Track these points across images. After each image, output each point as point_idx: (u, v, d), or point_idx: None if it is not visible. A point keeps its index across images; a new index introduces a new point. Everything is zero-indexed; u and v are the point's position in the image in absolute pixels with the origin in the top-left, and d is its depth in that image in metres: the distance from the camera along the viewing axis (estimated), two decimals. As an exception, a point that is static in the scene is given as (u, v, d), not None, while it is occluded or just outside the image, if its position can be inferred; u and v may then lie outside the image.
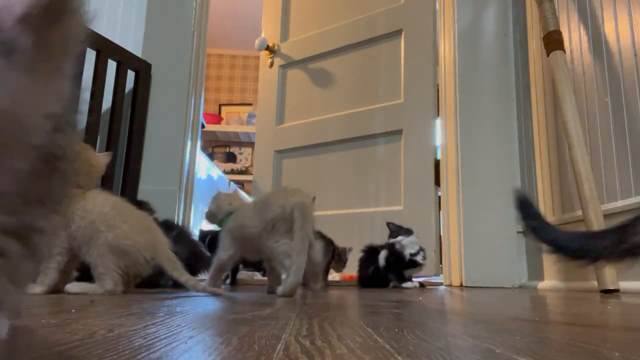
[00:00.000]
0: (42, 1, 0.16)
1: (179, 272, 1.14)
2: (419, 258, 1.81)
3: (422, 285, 1.88)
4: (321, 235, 1.82)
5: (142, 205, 1.65)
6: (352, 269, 1.96)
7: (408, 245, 1.82)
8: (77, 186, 1.10)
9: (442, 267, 2.13)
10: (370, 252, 1.86)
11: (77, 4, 0.20)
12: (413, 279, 1.87)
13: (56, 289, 1.10)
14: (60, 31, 0.18)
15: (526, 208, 0.64)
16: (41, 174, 0.23)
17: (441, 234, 2.15)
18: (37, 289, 1.06)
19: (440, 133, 2.25)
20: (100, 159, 1.22)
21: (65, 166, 0.26)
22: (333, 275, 2.24)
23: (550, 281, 1.82)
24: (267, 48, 2.90)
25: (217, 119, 4.95)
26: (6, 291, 0.29)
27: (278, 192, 1.33)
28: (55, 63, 0.18)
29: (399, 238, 1.83)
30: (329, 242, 1.79)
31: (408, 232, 1.86)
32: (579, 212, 1.56)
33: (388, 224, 1.91)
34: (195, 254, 1.65)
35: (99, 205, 1.11)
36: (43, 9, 0.16)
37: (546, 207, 1.88)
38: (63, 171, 0.25)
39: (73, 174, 0.27)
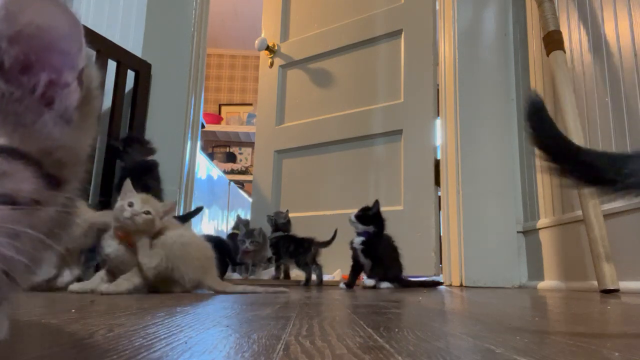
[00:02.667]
0: (82, 95, 0.34)
1: (224, 288, 1.30)
2: None
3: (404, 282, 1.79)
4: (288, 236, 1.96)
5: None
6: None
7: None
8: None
9: (442, 267, 2.13)
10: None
11: (97, 93, 0.37)
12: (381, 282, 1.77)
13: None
14: (89, 107, 0.35)
15: (539, 118, 0.54)
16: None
17: (441, 234, 2.15)
18: (111, 288, 1.13)
19: (440, 133, 2.25)
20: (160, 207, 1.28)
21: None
22: (334, 275, 2.24)
23: (550, 281, 1.82)
24: (267, 48, 2.90)
25: (217, 119, 4.95)
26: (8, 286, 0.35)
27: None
28: (88, 122, 0.36)
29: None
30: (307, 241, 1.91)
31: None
32: (579, 212, 1.56)
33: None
34: None
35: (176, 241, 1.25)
36: (82, 100, 0.34)
37: (546, 207, 1.88)
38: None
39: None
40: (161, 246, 1.22)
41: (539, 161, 0.52)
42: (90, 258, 1.37)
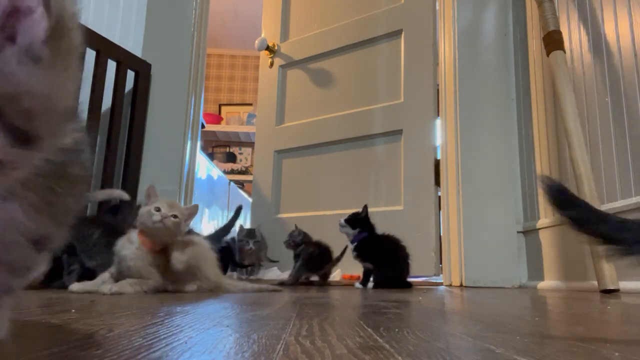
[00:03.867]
0: (51, 28, 0.27)
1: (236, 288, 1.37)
2: None
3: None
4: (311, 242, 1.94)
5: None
6: (353, 268, 1.96)
7: None
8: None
9: (442, 267, 2.13)
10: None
11: (73, 24, 0.30)
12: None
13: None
14: (63, 41, 0.29)
15: (560, 195, 0.53)
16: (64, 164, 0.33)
17: (441, 234, 2.15)
18: (114, 288, 1.14)
19: (440, 133, 2.24)
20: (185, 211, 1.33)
21: (82, 166, 0.35)
22: (334, 275, 2.24)
23: (550, 281, 1.82)
24: (267, 48, 2.90)
25: (217, 119, 4.95)
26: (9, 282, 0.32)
27: None
28: (64, 61, 0.29)
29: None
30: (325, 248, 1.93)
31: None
32: (579, 212, 1.55)
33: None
34: None
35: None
36: (53, 32, 0.27)
37: (546, 207, 1.88)
38: (79, 171, 0.35)
39: (86, 178, 0.36)
40: (191, 246, 1.30)
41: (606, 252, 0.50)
42: (70, 262, 1.36)
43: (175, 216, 1.22)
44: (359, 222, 1.80)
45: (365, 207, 1.83)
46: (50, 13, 0.27)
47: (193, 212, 1.31)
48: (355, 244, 1.77)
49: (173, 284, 1.26)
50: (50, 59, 0.27)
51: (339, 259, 1.94)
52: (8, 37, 0.26)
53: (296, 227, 2.01)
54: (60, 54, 0.28)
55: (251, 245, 2.23)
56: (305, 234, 1.98)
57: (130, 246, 1.22)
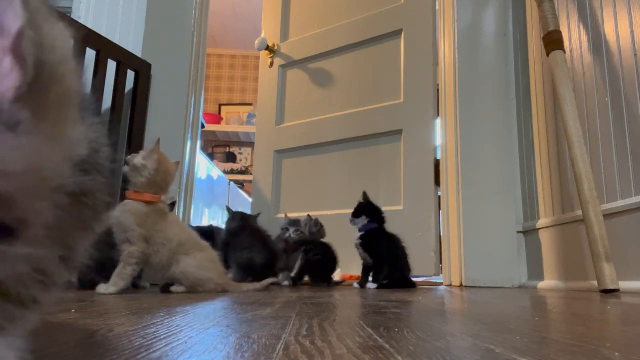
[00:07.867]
0: (28, 79, 0.19)
1: (241, 288, 1.43)
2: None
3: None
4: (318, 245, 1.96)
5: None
6: (354, 269, 1.96)
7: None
8: (157, 192, 1.37)
9: (442, 267, 2.13)
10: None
11: (66, 69, 0.22)
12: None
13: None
14: (54, 94, 0.21)
15: None
16: (72, 208, 0.26)
17: (441, 234, 2.15)
18: (110, 289, 1.18)
19: (440, 133, 2.25)
20: (173, 166, 1.44)
21: (94, 200, 0.30)
22: (334, 276, 2.24)
23: (550, 281, 1.82)
24: (267, 48, 2.90)
25: (217, 119, 4.95)
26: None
27: None
28: (58, 118, 0.21)
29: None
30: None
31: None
32: (579, 212, 1.56)
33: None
34: None
35: (178, 235, 1.34)
36: (34, 85, 0.19)
37: (546, 207, 1.88)
38: (92, 205, 0.29)
39: (103, 205, 0.31)
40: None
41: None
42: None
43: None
44: (364, 209, 1.80)
45: (365, 194, 1.84)
46: (25, 62, 0.19)
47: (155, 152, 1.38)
48: (363, 232, 1.77)
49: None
50: (33, 121, 0.19)
51: (338, 282, 2.01)
52: None
53: (309, 216, 2.04)
54: (48, 111, 0.20)
55: (291, 233, 1.85)
56: (321, 228, 1.99)
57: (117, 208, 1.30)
